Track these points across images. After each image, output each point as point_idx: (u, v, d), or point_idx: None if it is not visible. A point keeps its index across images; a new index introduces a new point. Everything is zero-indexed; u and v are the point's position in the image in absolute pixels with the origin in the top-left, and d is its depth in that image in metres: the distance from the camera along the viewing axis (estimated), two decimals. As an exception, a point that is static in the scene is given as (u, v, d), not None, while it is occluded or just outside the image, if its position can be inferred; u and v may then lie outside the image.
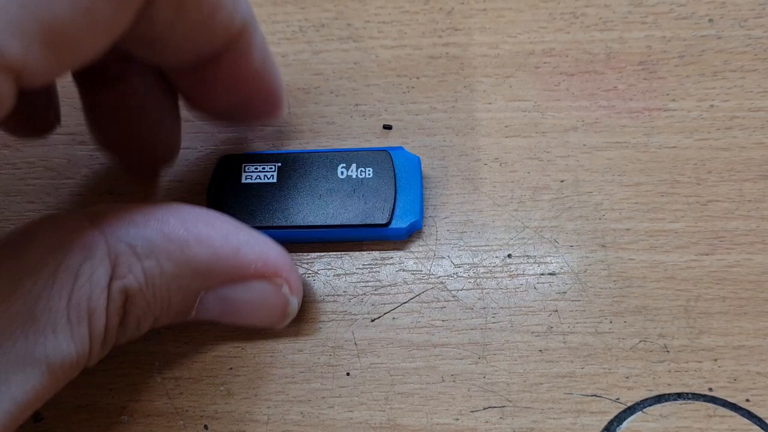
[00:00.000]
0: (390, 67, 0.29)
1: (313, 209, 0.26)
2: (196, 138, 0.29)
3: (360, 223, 0.26)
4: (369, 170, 0.26)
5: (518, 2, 0.29)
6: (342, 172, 0.26)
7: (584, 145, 0.28)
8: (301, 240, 0.27)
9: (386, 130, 0.28)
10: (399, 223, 0.26)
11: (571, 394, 0.25)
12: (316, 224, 0.26)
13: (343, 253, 0.27)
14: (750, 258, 0.26)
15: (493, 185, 0.28)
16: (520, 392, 0.25)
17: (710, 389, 0.25)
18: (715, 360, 0.25)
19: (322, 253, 0.27)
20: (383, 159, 0.26)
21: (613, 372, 0.25)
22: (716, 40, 0.28)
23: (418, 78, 0.29)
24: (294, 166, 0.26)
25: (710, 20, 0.29)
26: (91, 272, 0.19)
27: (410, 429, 0.25)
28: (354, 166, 0.26)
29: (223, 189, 0.26)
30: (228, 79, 0.23)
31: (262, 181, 0.26)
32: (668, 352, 0.25)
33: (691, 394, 0.25)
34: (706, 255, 0.26)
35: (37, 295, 0.18)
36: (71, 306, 0.19)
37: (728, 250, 0.26)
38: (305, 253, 0.27)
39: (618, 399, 0.25)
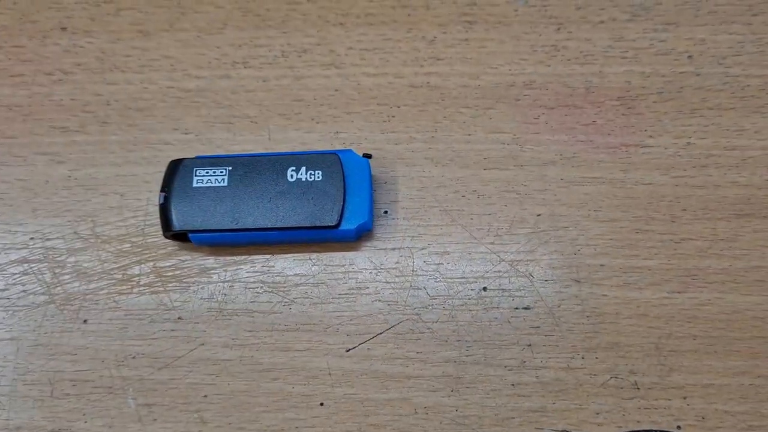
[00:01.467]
0: (371, 95, 0.29)
1: (263, 212, 0.26)
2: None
3: (310, 225, 0.26)
4: (318, 173, 0.26)
5: (500, 33, 0.29)
6: (291, 175, 0.26)
7: (561, 179, 0.28)
8: (253, 242, 0.27)
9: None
10: (348, 225, 0.26)
11: (542, 429, 0.25)
12: (266, 227, 0.26)
13: (320, 282, 0.27)
14: (721, 297, 0.26)
15: (471, 217, 0.28)
16: (492, 426, 0.26)
17: (678, 427, 0.25)
18: (684, 398, 0.26)
19: (299, 281, 0.27)
20: (332, 162, 0.26)
21: (584, 408, 0.26)
22: (695, 77, 0.29)
23: (398, 107, 0.29)
24: (244, 170, 0.27)
25: (689, 57, 0.29)
26: None
27: (382, 461, 0.25)
28: (303, 169, 0.26)
29: (174, 193, 0.26)
30: None
31: (213, 185, 0.26)
32: (638, 389, 0.26)
33: (659, 431, 0.25)
34: (679, 293, 0.27)
35: None
36: None
37: (700, 288, 0.27)
38: (281, 281, 0.27)
39: (588, 435, 0.25)
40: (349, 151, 0.27)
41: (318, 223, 0.26)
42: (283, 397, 0.26)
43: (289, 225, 0.26)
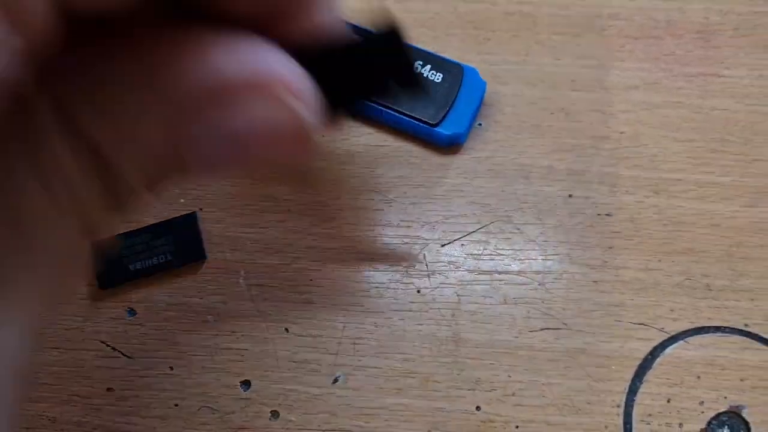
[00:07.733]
0: (468, 20, 0.32)
1: None
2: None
3: (411, 114, 0.29)
4: (439, 75, 0.29)
5: (589, -31, 0.32)
6: (416, 67, 0.29)
7: (644, 102, 0.30)
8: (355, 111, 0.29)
9: (462, 77, 0.31)
10: (444, 129, 0.29)
11: (621, 321, 0.28)
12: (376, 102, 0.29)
13: (418, 184, 0.30)
14: (789, 212, 0.29)
15: (558, 132, 0.30)
16: (575, 317, 0.28)
17: (746, 325, 0.28)
18: (752, 300, 0.28)
19: (398, 181, 0.30)
20: (455, 71, 0.29)
21: (660, 305, 0.28)
22: (769, 16, 0.31)
23: (493, 31, 0.31)
24: None
25: (764, -2, 0.31)
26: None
27: (473, 343, 0.28)
28: (429, 66, 0.29)
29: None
30: None
31: None
32: (710, 290, 0.28)
33: (728, 328, 0.28)
34: (749, 207, 0.29)
35: None
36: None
37: (770, 204, 0.29)
38: (380, 180, 0.30)
39: (663, 328, 0.28)
40: (474, 70, 0.29)
41: (419, 116, 0.28)
42: (383, 283, 0.29)
43: (393, 106, 0.29)
